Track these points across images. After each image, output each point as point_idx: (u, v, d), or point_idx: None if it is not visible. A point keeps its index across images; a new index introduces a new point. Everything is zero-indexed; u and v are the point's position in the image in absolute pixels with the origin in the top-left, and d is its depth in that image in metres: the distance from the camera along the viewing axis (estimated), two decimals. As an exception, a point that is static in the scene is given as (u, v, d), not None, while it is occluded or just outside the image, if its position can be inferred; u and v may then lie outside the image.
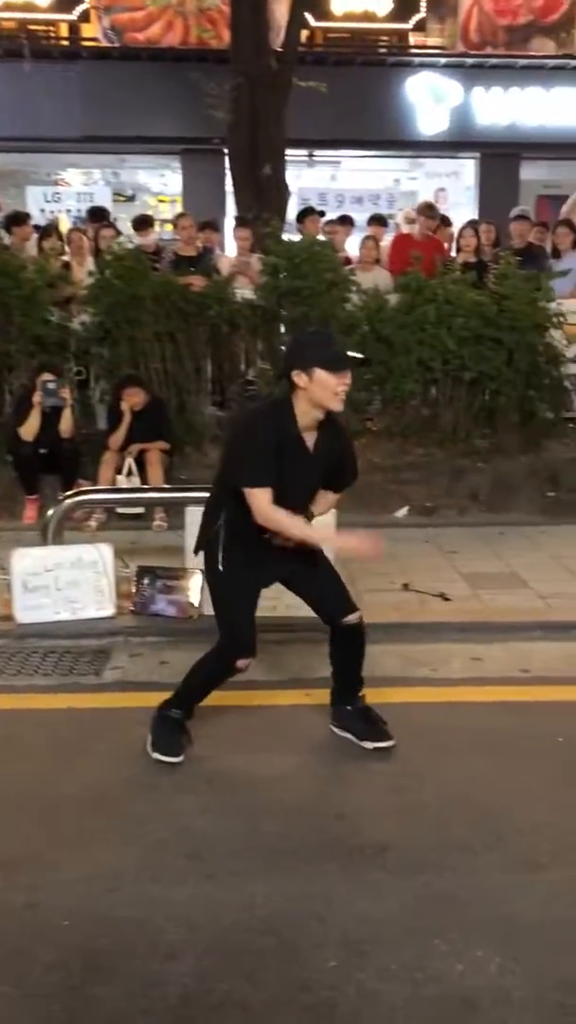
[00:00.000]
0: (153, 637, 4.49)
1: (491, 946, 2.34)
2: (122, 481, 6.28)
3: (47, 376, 6.33)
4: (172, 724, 3.36)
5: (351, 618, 3.39)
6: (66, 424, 6.37)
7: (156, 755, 3.29)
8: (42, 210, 11.22)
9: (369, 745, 3.38)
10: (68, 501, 5.16)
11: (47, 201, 11.65)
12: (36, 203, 11.45)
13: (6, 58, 12.44)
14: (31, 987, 2.23)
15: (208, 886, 2.61)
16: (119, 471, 6.34)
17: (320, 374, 3.03)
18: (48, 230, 8.31)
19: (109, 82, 12.65)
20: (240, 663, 3.27)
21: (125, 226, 8.96)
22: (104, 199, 11.61)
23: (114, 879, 2.65)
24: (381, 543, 3.25)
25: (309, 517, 3.32)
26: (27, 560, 4.59)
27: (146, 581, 4.69)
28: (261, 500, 3.08)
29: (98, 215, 9.18)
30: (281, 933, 2.41)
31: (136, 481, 6.31)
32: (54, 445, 6.39)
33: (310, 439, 3.19)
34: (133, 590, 4.71)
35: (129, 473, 6.33)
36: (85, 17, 13.41)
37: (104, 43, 13.29)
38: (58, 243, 7.91)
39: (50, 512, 5.05)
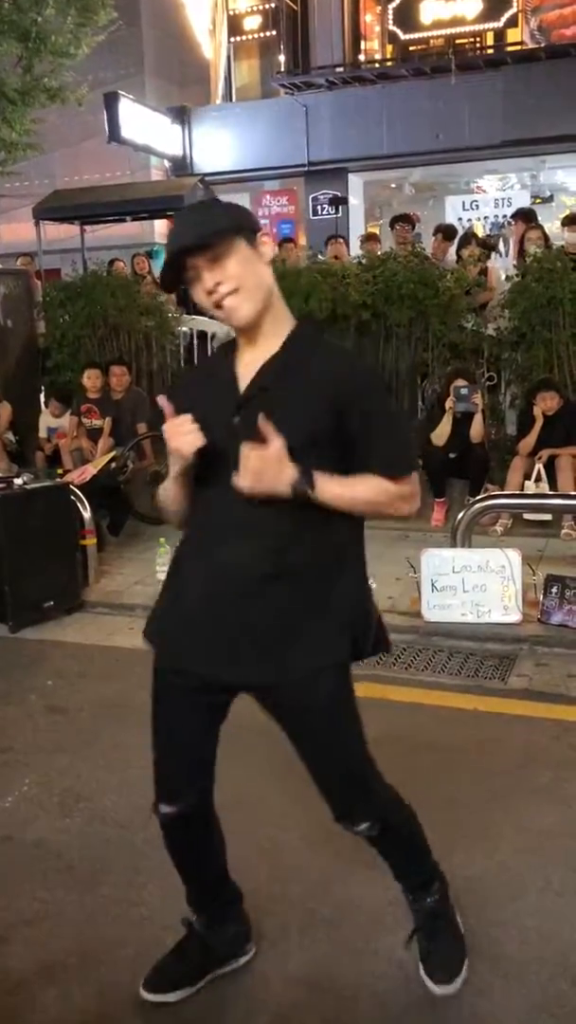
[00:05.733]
0: (561, 648, 4.37)
1: None
2: (531, 487, 6.20)
3: (460, 382, 6.45)
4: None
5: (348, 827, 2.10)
6: (476, 429, 6.43)
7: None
8: (459, 219, 11.43)
9: (426, 979, 2.21)
10: (477, 505, 5.22)
11: (464, 209, 11.85)
12: (454, 212, 11.71)
13: (433, 75, 12.85)
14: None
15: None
16: (528, 476, 6.27)
17: None
18: (467, 238, 8.45)
19: (531, 84, 12.48)
20: None
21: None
22: (522, 203, 11.52)
23: (518, 886, 2.62)
24: None
25: None
26: (436, 560, 4.73)
27: (554, 590, 4.58)
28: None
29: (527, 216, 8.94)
30: None
31: (545, 487, 6.18)
32: (464, 450, 6.49)
33: None
34: (540, 598, 4.63)
35: (538, 479, 6.23)
36: (512, 22, 13.38)
37: (530, 45, 13.14)
38: (476, 250, 8.00)
39: (459, 516, 5.14)
